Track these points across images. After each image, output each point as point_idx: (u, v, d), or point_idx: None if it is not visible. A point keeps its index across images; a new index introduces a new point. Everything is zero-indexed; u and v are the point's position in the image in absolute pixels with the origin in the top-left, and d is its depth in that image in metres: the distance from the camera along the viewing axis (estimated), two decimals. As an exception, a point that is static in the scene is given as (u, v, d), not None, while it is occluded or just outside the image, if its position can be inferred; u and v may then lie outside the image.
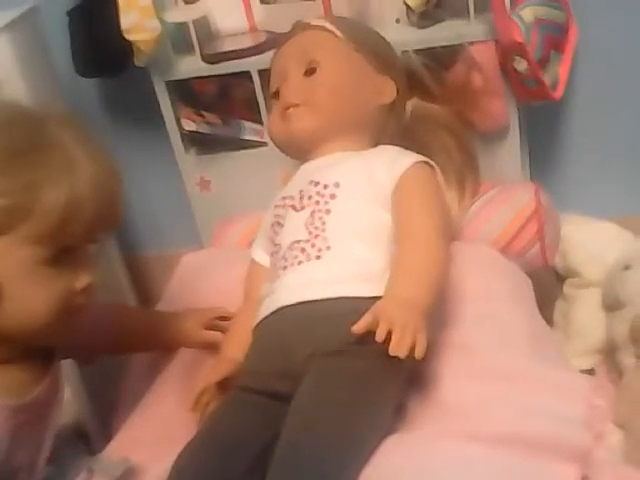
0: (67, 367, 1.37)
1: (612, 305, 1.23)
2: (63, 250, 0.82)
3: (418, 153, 1.12)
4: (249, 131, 1.44)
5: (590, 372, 1.24)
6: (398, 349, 0.84)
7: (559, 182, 1.50)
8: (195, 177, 1.48)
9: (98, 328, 1.03)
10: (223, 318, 1.13)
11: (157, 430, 1.04)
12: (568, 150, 1.52)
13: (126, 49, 1.34)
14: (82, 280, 0.84)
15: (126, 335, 1.09)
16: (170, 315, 1.15)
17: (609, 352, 1.22)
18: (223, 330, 1.12)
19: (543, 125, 1.47)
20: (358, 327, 0.87)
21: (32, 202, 0.79)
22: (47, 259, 0.81)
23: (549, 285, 1.37)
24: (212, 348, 1.11)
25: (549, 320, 1.31)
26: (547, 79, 1.28)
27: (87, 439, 1.38)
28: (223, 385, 1.01)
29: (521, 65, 1.26)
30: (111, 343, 1.08)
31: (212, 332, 1.11)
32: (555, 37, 1.31)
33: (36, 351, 0.87)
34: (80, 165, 0.82)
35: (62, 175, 0.80)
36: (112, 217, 0.87)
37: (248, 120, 1.43)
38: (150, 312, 1.24)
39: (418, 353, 0.85)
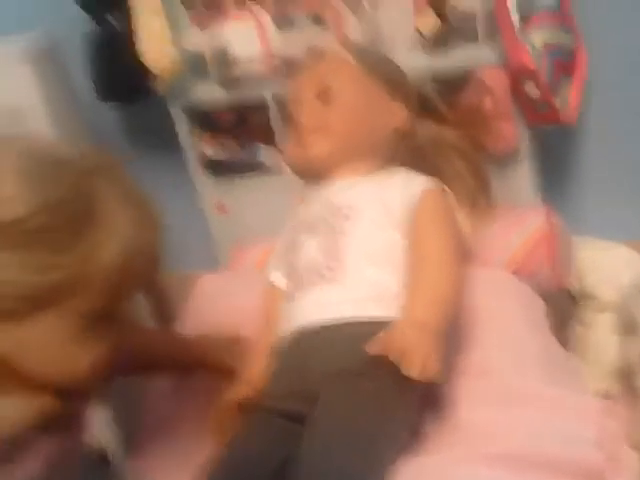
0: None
1: (627, 328, 1.24)
2: (105, 311, 0.80)
3: (430, 176, 1.15)
4: (266, 155, 1.47)
5: (606, 395, 1.24)
6: (411, 370, 0.86)
7: (572, 205, 1.51)
8: (213, 201, 1.51)
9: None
10: (239, 343, 1.14)
11: (177, 451, 1.06)
12: (580, 173, 1.53)
13: (145, 75, 1.38)
14: (124, 339, 0.82)
15: (144, 357, 1.09)
16: (190, 339, 1.17)
17: (625, 375, 1.23)
18: (240, 356, 1.13)
19: (555, 148, 1.48)
20: (372, 348, 0.89)
21: (89, 272, 0.76)
22: (88, 323, 0.79)
23: (565, 308, 1.38)
24: (228, 373, 1.11)
25: (565, 343, 1.32)
26: (558, 103, 1.30)
27: (108, 462, 1.40)
28: (243, 406, 1.03)
29: (532, 89, 1.28)
30: (128, 365, 1.06)
31: (230, 358, 1.12)
32: (565, 61, 1.33)
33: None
34: (125, 224, 0.78)
35: (111, 238, 0.77)
36: (151, 276, 0.86)
37: (264, 144, 1.46)
38: (169, 335, 1.24)
39: (431, 374, 0.87)
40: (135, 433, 1.14)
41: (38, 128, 1.39)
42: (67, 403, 0.84)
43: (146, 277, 0.85)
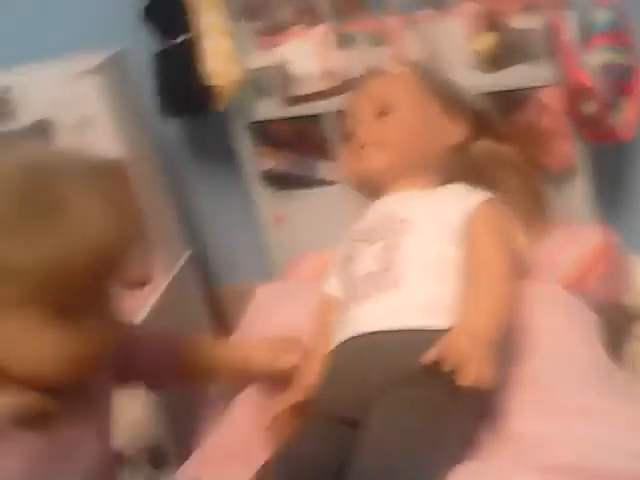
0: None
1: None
2: (67, 305, 0.79)
3: (488, 191, 1.16)
4: (322, 169, 1.50)
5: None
6: (466, 379, 0.88)
7: (628, 223, 1.50)
8: (270, 213, 1.55)
9: (162, 359, 1.06)
10: (293, 346, 1.15)
11: (232, 451, 1.08)
12: (637, 191, 1.53)
13: (208, 92, 1.43)
14: (95, 328, 0.82)
15: (195, 365, 1.11)
16: (242, 345, 1.19)
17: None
18: (294, 359, 1.14)
19: (611, 166, 1.48)
20: (427, 358, 0.91)
21: (17, 263, 0.75)
22: (54, 313, 0.79)
23: (620, 325, 1.37)
24: (282, 377, 1.13)
25: (620, 360, 1.31)
26: (614, 121, 1.31)
27: (165, 462, 1.43)
28: (297, 410, 1.06)
29: (589, 108, 1.29)
30: (178, 374, 1.09)
31: (283, 360, 1.13)
32: (622, 80, 1.33)
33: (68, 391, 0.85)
34: (77, 222, 0.77)
35: (53, 235, 0.76)
36: (115, 273, 0.82)
37: (322, 159, 1.50)
38: (221, 343, 1.25)
39: (485, 383, 0.89)
40: (192, 431, 1.17)
41: (104, 139, 1.45)
42: (62, 401, 0.84)
43: (121, 274, 0.83)
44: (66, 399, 0.85)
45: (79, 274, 0.77)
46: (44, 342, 0.80)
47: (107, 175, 0.83)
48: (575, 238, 1.29)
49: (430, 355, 0.91)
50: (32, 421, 0.82)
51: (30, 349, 0.81)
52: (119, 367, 0.97)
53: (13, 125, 1.46)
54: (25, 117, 1.45)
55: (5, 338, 0.80)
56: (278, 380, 1.15)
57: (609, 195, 1.48)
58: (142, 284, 1.54)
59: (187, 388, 1.22)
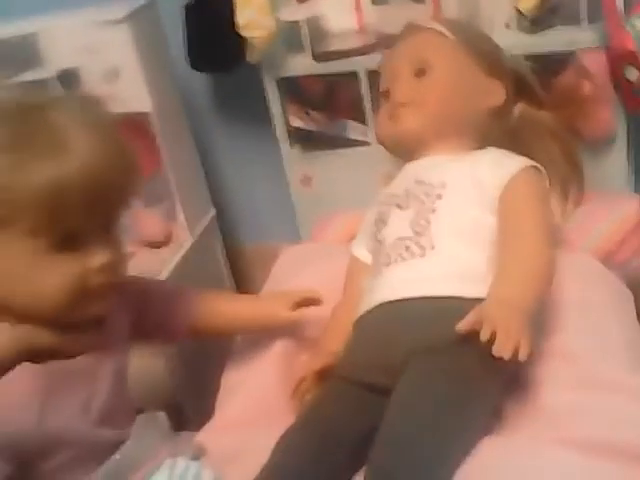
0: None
1: None
2: (67, 235, 0.82)
3: (526, 157, 1.13)
4: (353, 130, 1.47)
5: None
6: (502, 350, 0.85)
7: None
8: (298, 173, 1.52)
9: (177, 310, 1.06)
10: (311, 301, 1.13)
11: (255, 411, 1.07)
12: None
13: (239, 45, 1.39)
14: (96, 260, 0.84)
15: (210, 318, 1.11)
16: (257, 298, 1.19)
17: None
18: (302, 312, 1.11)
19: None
20: (462, 326, 0.89)
21: (15, 188, 0.79)
22: (50, 246, 0.82)
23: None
24: (298, 327, 1.12)
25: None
26: (659, 90, 1.27)
27: (183, 418, 1.43)
28: (322, 375, 1.04)
29: (632, 74, 1.25)
30: (193, 326, 1.09)
31: (297, 311, 1.10)
32: (669, 48, 1.29)
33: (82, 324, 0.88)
34: (72, 149, 0.81)
35: (47, 160, 0.80)
36: (111, 202, 0.86)
37: (353, 119, 1.46)
38: (236, 296, 1.27)
39: (522, 355, 0.86)
40: (212, 390, 1.16)
41: (132, 89, 1.42)
42: (76, 336, 0.87)
43: (104, 209, 0.85)
44: (82, 334, 0.88)
45: (77, 197, 0.80)
46: (48, 274, 0.83)
47: (103, 113, 0.88)
48: (610, 209, 1.26)
49: (466, 324, 0.88)
50: (39, 354, 0.85)
51: (34, 282, 0.83)
52: (136, 317, 0.99)
53: (40, 74, 1.44)
54: (52, 66, 1.43)
55: (8, 272, 0.82)
56: (300, 336, 1.13)
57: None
58: (165, 242, 1.53)
59: (206, 345, 1.22)
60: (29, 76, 1.44)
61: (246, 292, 1.57)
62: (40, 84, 1.44)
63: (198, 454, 0.98)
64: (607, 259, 1.21)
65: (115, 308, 0.93)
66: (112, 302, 0.90)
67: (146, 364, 1.50)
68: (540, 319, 1.03)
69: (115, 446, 0.96)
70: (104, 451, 0.95)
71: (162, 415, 1.04)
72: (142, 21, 1.43)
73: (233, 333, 1.19)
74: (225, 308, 1.13)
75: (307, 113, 1.48)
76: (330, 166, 1.49)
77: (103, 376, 0.94)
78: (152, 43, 1.46)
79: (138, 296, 1.01)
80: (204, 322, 1.10)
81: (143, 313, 1.02)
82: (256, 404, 1.08)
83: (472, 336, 0.87)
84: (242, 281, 1.70)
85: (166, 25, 1.50)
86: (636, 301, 1.18)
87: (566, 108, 1.30)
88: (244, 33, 1.37)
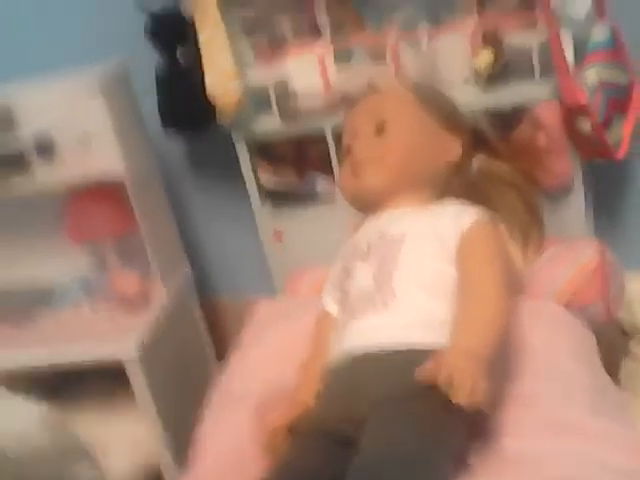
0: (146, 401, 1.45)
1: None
2: None
3: (483, 209, 1.17)
4: (322, 186, 1.52)
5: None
6: (459, 396, 0.89)
7: (624, 240, 1.51)
8: (270, 229, 1.56)
9: None
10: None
11: (228, 464, 1.09)
12: (632, 207, 1.54)
13: (210, 108, 1.44)
14: None
15: None
16: None
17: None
18: None
19: (609, 183, 1.49)
20: (421, 374, 0.92)
21: None
22: None
23: (616, 342, 1.38)
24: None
25: (616, 377, 1.32)
26: (610, 139, 1.32)
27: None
28: (292, 427, 1.06)
29: (585, 125, 1.30)
30: None
31: None
32: (619, 99, 1.34)
33: None
34: None
35: None
36: None
37: (321, 175, 1.51)
38: None
39: (478, 400, 0.89)
40: (190, 448, 1.17)
41: (106, 155, 1.46)
42: None
43: None
44: None
45: None
46: None
47: None
48: (571, 254, 1.30)
49: (424, 371, 0.92)
50: None
51: None
52: None
53: (15, 140, 1.48)
54: (27, 134, 1.47)
55: None
56: (274, 389, 1.15)
57: (605, 212, 1.49)
58: (141, 300, 1.56)
59: (187, 401, 1.23)
60: (5, 141, 1.47)
61: (222, 345, 1.59)
62: (16, 150, 1.48)
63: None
64: (569, 303, 1.25)
65: None
66: None
67: (128, 428, 1.52)
68: (503, 365, 1.06)
69: None
70: None
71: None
72: (115, 88, 1.48)
73: None
74: None
75: (277, 171, 1.52)
76: (300, 221, 1.54)
77: None
78: (125, 109, 1.51)
79: None
80: None
81: None
82: (229, 457, 1.10)
83: (432, 383, 0.90)
84: (218, 335, 1.73)
85: (140, 88, 1.55)
86: (601, 346, 1.22)
87: (524, 159, 1.34)
88: (213, 97, 1.42)
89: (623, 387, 1.34)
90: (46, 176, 1.49)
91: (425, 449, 0.93)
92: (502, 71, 1.38)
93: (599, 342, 1.23)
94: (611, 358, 1.27)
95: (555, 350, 1.13)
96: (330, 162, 1.48)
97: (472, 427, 0.99)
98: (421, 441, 0.93)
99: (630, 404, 1.26)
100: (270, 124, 1.49)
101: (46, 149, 1.47)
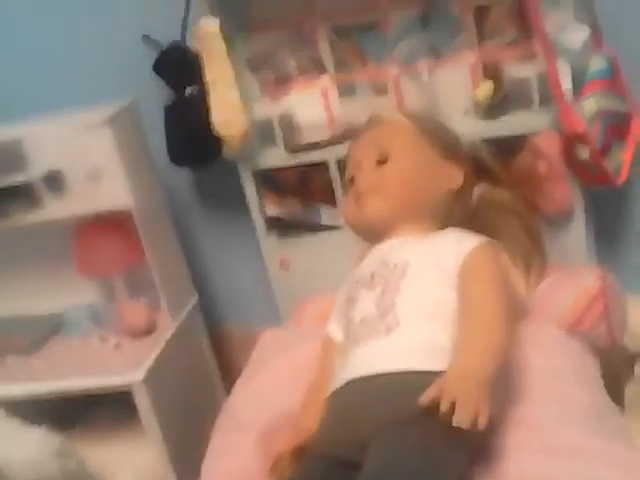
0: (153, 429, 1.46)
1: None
2: None
3: (485, 236, 1.19)
4: (326, 215, 1.54)
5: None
6: (461, 420, 0.90)
7: (625, 265, 1.52)
8: (276, 258, 1.58)
9: None
10: None
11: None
12: (633, 232, 1.55)
13: (216, 142, 1.48)
14: None
15: None
16: None
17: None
18: None
19: (609, 210, 1.51)
20: (423, 399, 0.93)
21: None
22: None
23: (619, 366, 1.39)
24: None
25: (620, 401, 1.32)
26: (610, 166, 1.34)
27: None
28: (298, 453, 1.08)
29: (584, 153, 1.32)
30: None
31: None
32: (617, 125, 1.37)
33: None
34: None
35: None
36: None
37: (325, 205, 1.54)
38: None
39: (480, 423, 0.91)
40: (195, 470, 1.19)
41: (115, 189, 1.49)
42: None
43: None
44: None
45: None
46: None
47: None
48: (572, 280, 1.32)
49: (426, 397, 0.93)
50: None
51: None
52: None
53: (26, 176, 1.51)
54: (37, 168, 1.51)
55: None
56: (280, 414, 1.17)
57: (605, 237, 1.50)
58: (149, 330, 1.58)
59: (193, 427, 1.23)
60: (16, 178, 1.51)
61: (229, 373, 1.61)
62: (26, 184, 1.51)
63: None
64: (571, 329, 1.26)
65: None
66: None
67: (135, 455, 1.54)
68: (505, 388, 1.07)
69: None
70: None
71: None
72: (123, 123, 1.51)
73: None
74: None
75: (282, 201, 1.55)
76: (305, 250, 1.56)
77: None
78: (133, 143, 1.54)
79: None
80: None
81: None
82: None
83: (434, 408, 0.92)
84: (225, 362, 1.74)
85: (149, 123, 1.58)
86: (605, 370, 1.23)
87: (524, 187, 1.37)
88: (220, 131, 1.45)
89: (628, 410, 1.34)
90: (56, 209, 1.52)
91: (428, 475, 0.94)
92: (502, 102, 1.41)
93: (602, 367, 1.24)
94: (615, 382, 1.28)
95: (556, 373, 1.14)
96: (334, 192, 1.50)
97: (474, 450, 1.00)
98: (424, 467, 0.94)
99: (633, 427, 1.27)
100: (275, 156, 1.52)
101: (56, 183, 1.50)
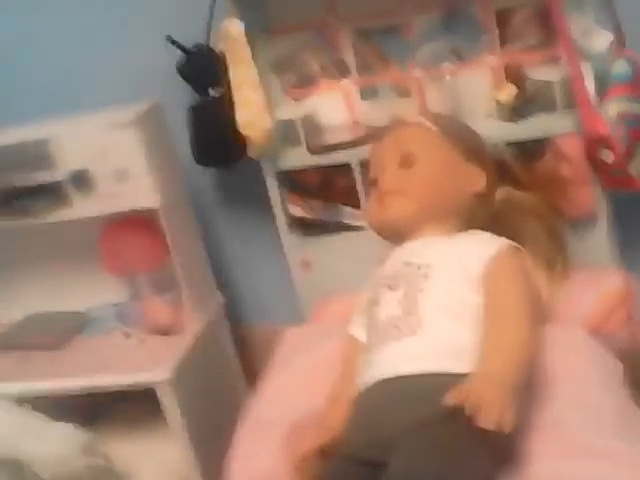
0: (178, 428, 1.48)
1: None
2: None
3: (508, 238, 1.20)
4: (348, 216, 1.55)
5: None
6: (486, 422, 0.91)
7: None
8: (298, 258, 1.60)
9: None
10: None
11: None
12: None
13: (240, 142, 1.49)
14: None
15: None
16: None
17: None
18: None
19: (631, 212, 1.51)
20: (449, 400, 0.94)
21: None
22: None
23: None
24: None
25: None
26: (634, 169, 1.34)
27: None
28: (323, 453, 1.09)
29: (608, 156, 1.33)
30: None
31: None
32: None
33: None
34: None
35: None
36: None
37: (348, 206, 1.55)
38: None
39: (505, 427, 0.92)
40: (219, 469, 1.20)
41: (140, 188, 1.51)
42: None
43: None
44: None
45: None
46: None
47: None
48: (596, 283, 1.32)
49: (451, 398, 0.94)
50: None
51: None
52: None
53: (53, 175, 1.53)
54: (64, 167, 1.52)
55: None
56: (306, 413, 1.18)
57: (629, 240, 1.50)
58: (174, 328, 1.60)
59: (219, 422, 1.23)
60: (42, 177, 1.53)
61: (252, 372, 1.62)
62: (54, 183, 1.53)
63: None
64: (595, 332, 1.27)
65: None
66: None
67: (160, 453, 1.56)
68: (530, 391, 1.08)
69: None
70: None
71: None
72: (149, 123, 1.53)
73: None
74: None
75: (305, 201, 1.56)
76: (327, 250, 1.57)
77: None
78: (159, 143, 1.56)
79: None
80: None
81: None
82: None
83: (459, 410, 0.93)
84: (248, 361, 1.76)
85: (173, 124, 1.59)
86: (625, 371, 1.23)
87: (547, 190, 1.37)
88: (244, 132, 1.47)
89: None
90: (83, 208, 1.54)
91: (453, 476, 0.95)
92: (525, 104, 1.42)
93: (626, 369, 1.25)
94: (638, 385, 1.28)
95: (581, 377, 1.15)
96: (357, 193, 1.51)
97: (499, 453, 1.01)
98: (449, 468, 0.95)
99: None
100: (298, 157, 1.53)
101: (83, 182, 1.52)
